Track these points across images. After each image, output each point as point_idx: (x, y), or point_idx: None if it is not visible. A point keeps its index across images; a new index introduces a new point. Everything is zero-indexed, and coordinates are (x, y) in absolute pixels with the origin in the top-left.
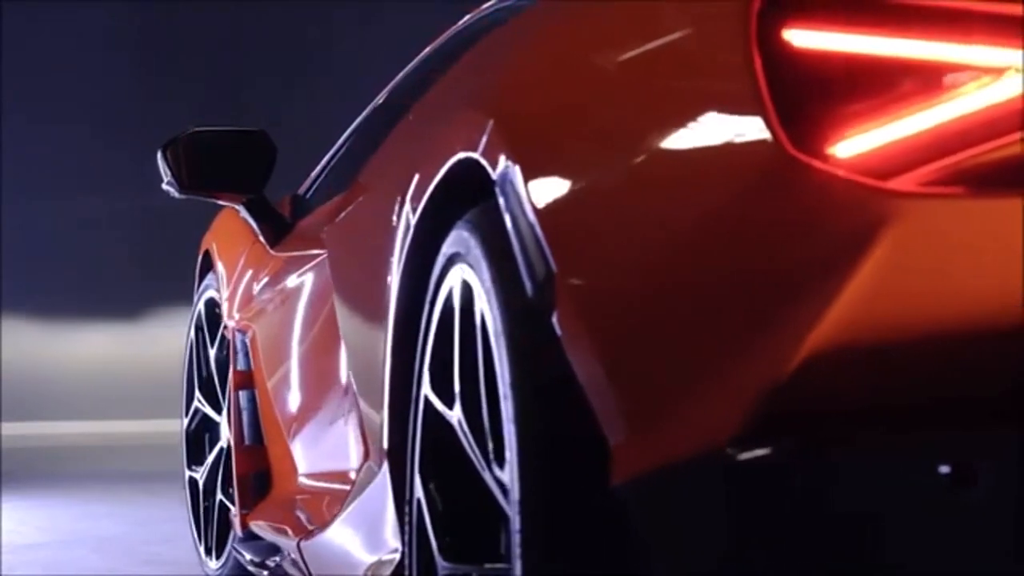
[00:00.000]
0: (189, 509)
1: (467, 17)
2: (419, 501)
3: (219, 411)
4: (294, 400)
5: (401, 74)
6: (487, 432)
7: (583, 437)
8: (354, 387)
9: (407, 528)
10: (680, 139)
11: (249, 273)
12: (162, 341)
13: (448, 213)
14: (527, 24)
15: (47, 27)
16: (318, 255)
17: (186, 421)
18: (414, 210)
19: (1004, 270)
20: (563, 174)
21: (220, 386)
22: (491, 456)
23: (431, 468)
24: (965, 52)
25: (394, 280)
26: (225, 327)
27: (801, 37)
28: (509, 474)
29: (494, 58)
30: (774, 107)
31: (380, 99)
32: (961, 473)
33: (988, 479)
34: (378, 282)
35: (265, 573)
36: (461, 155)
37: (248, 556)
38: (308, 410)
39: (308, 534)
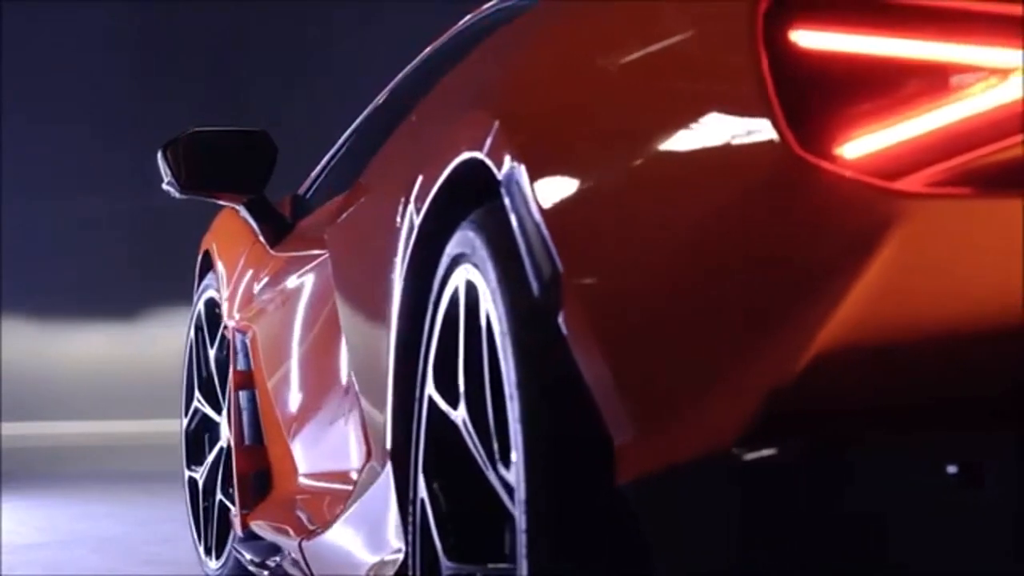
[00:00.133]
0: (189, 509)
1: (468, 17)
2: (423, 501)
3: (219, 411)
4: (294, 400)
5: (402, 74)
6: (492, 432)
7: (589, 437)
8: (356, 387)
9: (411, 528)
10: (686, 139)
11: (249, 273)
12: (162, 341)
13: (452, 213)
14: (532, 24)
15: (47, 27)
16: (319, 255)
17: (186, 421)
18: (418, 210)
19: (1010, 270)
20: (569, 174)
21: (220, 386)
22: (496, 456)
23: (435, 468)
24: (971, 53)
25: (397, 281)
26: (225, 327)
27: (808, 38)
28: (515, 474)
29: (499, 58)
30: (781, 108)
31: (381, 99)
32: (968, 473)
33: (995, 479)
34: (381, 283)
35: (266, 573)
36: (466, 155)
37: (248, 556)
38: (308, 410)
39: (310, 534)
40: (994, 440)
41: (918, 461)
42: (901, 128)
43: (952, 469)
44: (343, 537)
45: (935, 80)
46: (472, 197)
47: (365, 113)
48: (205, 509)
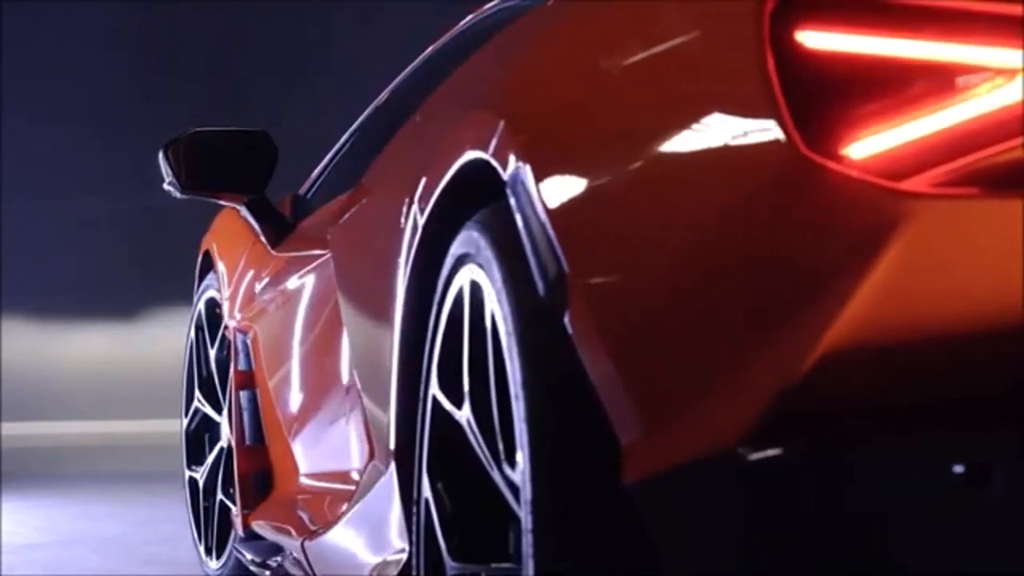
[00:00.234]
0: (189, 509)
1: (470, 17)
2: (427, 501)
3: (219, 411)
4: (295, 400)
5: (403, 74)
6: (497, 432)
7: (594, 437)
8: (359, 387)
9: (415, 528)
10: (692, 140)
11: (250, 273)
12: (162, 341)
13: (456, 214)
14: (536, 24)
15: (47, 27)
16: (320, 255)
17: (186, 421)
18: (422, 211)
19: (1016, 271)
20: (575, 174)
21: (220, 386)
22: (501, 456)
23: (439, 468)
24: (977, 53)
25: (401, 281)
26: (226, 327)
27: (814, 38)
28: (521, 474)
29: (503, 59)
30: (787, 108)
31: (382, 99)
32: (975, 473)
33: (1002, 479)
34: (384, 283)
35: (267, 573)
36: (471, 156)
37: (249, 556)
38: (310, 410)
39: (312, 534)
40: (1000, 440)
41: (924, 461)
42: (907, 128)
43: (958, 469)
44: (346, 537)
45: (941, 81)
46: (476, 197)
47: (366, 113)
48: (205, 509)
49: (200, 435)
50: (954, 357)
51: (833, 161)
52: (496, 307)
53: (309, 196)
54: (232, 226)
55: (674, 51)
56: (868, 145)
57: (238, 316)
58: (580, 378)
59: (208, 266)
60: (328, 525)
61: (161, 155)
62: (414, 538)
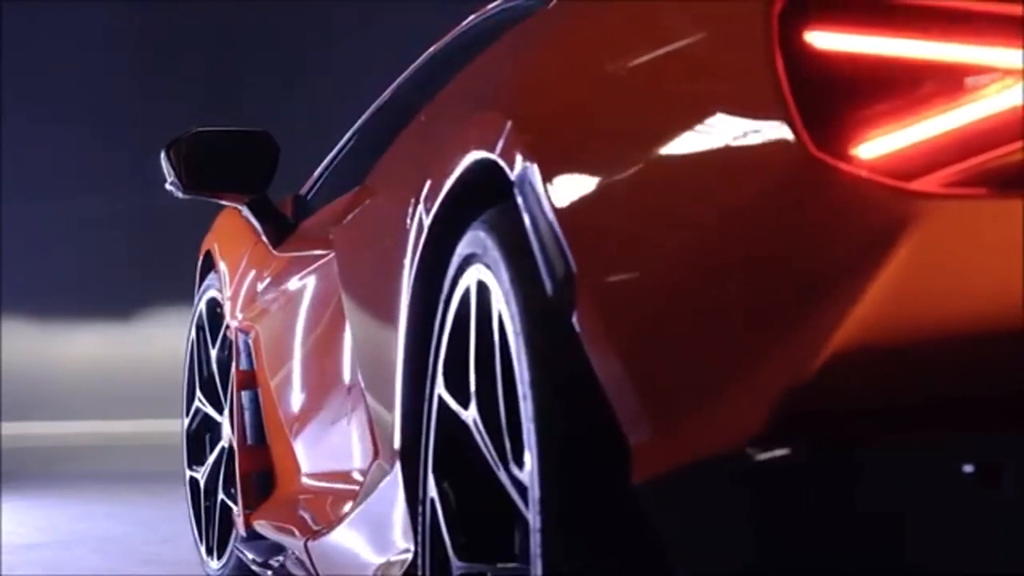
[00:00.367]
0: (190, 509)
1: (471, 18)
2: (432, 500)
3: (220, 411)
4: (297, 400)
5: (405, 74)
6: (504, 432)
7: (603, 437)
8: (363, 387)
9: (420, 527)
10: (701, 140)
11: (252, 273)
12: (162, 341)
13: (462, 214)
14: (544, 25)
15: (47, 27)
16: (323, 256)
17: (187, 421)
18: (427, 211)
19: None
20: (582, 174)
21: (221, 386)
22: (508, 455)
23: (445, 468)
24: (987, 54)
25: (406, 281)
26: (227, 327)
27: (823, 39)
28: (529, 474)
29: (510, 59)
30: (797, 108)
31: (383, 99)
32: (985, 473)
33: (1012, 479)
34: (389, 283)
35: (269, 573)
36: (478, 156)
37: (251, 555)
38: (311, 410)
39: (315, 534)
40: (1010, 440)
41: (933, 461)
42: (917, 129)
43: (968, 469)
44: (350, 537)
45: (950, 81)
46: (481, 198)
47: (367, 113)
48: (206, 509)
49: (201, 435)
50: (963, 357)
51: (843, 162)
52: (503, 307)
53: (310, 196)
54: (233, 226)
55: (683, 51)
56: (878, 145)
57: (240, 316)
58: (588, 378)
59: (209, 266)
60: (331, 525)
61: (163, 155)
62: (419, 538)
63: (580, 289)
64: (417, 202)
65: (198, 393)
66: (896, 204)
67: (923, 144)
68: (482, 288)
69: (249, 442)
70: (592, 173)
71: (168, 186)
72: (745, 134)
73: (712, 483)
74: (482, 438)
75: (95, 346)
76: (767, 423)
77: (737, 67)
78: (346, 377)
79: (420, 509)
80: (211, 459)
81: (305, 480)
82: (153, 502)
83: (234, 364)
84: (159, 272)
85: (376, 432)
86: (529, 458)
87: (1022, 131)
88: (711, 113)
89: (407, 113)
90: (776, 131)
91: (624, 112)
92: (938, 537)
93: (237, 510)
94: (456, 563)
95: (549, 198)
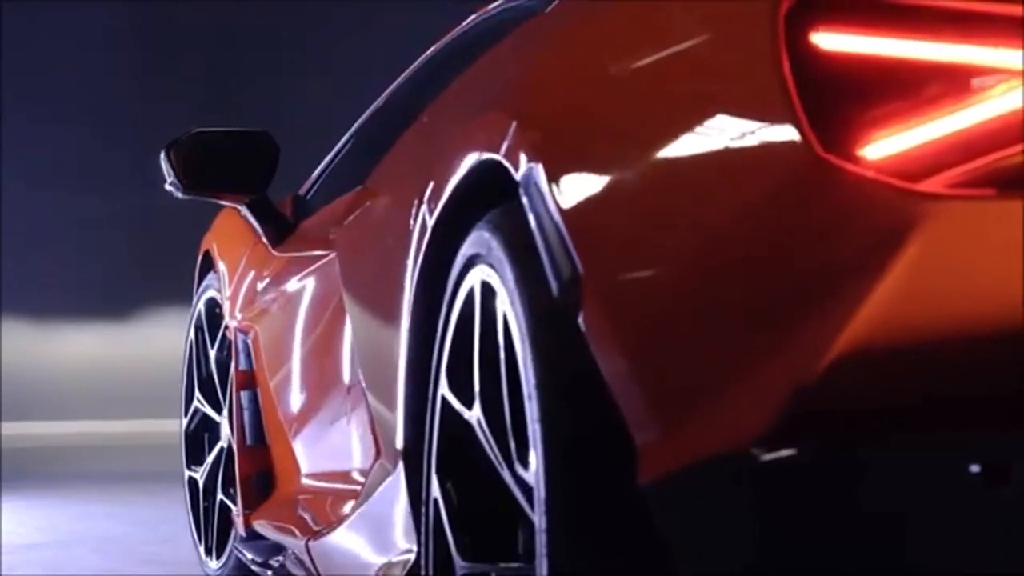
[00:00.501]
0: (189, 509)
1: (472, 18)
2: (436, 500)
3: (219, 411)
4: (297, 400)
5: (404, 75)
6: (508, 432)
7: (609, 437)
8: (365, 387)
9: (423, 527)
10: (708, 141)
11: (251, 273)
12: (162, 341)
13: (465, 215)
14: (548, 25)
15: (47, 27)
16: (323, 256)
17: (186, 421)
18: (431, 211)
19: None
20: (588, 175)
21: (220, 386)
22: (512, 455)
23: (448, 468)
24: (993, 55)
25: (409, 282)
26: (226, 327)
27: (829, 40)
28: (534, 474)
29: (515, 59)
30: (803, 109)
31: (383, 100)
32: (992, 473)
33: (1019, 479)
34: (391, 284)
35: (269, 573)
36: (483, 156)
37: (250, 556)
38: (311, 410)
39: (316, 534)
40: (1017, 440)
41: (940, 461)
42: (923, 130)
43: (974, 469)
44: (352, 537)
45: (957, 82)
46: (484, 198)
47: (367, 114)
48: (205, 509)
49: (200, 435)
50: (969, 357)
51: (849, 162)
52: (508, 308)
53: (309, 196)
54: (233, 226)
55: (689, 52)
56: (884, 146)
57: (239, 316)
58: (594, 378)
59: (208, 266)
60: (333, 525)
61: (163, 155)
62: (423, 538)
63: (586, 289)
64: (420, 202)
65: (197, 393)
66: (902, 205)
67: (930, 145)
68: (486, 289)
69: (248, 442)
70: (598, 173)
71: (168, 186)
72: (752, 135)
73: (718, 483)
74: (486, 438)
75: (94, 346)
76: (773, 423)
77: (744, 68)
78: (346, 377)
79: (423, 509)
80: (210, 459)
81: (305, 480)
82: (153, 502)
83: (233, 364)
84: (158, 272)
85: (378, 432)
86: (535, 458)
87: None
88: (717, 113)
89: (407, 114)
90: (782, 132)
91: (630, 112)
92: (943, 537)
93: (236, 510)
94: (459, 563)
95: (555, 198)
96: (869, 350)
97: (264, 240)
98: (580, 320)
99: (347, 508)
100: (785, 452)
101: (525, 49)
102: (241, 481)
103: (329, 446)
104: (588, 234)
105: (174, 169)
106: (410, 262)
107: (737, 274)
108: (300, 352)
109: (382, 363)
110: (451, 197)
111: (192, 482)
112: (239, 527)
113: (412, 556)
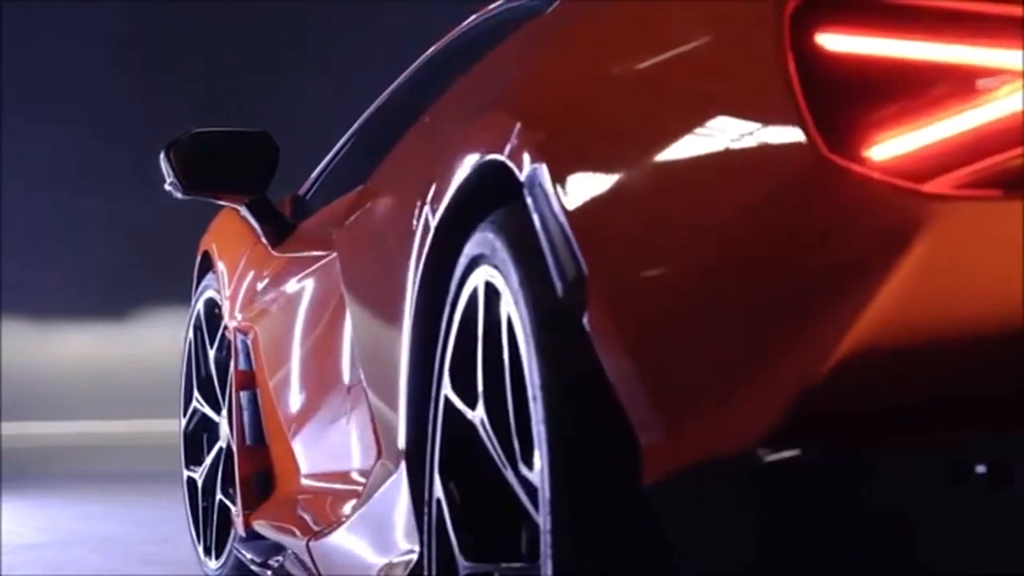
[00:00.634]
0: (188, 509)
1: (472, 18)
2: (439, 500)
3: (218, 411)
4: (297, 400)
5: (404, 75)
6: (512, 432)
7: (614, 437)
8: (366, 387)
9: (426, 527)
10: (713, 141)
11: (251, 274)
12: (161, 341)
13: (468, 215)
14: (552, 25)
15: (47, 27)
16: (323, 256)
17: (184, 421)
18: (434, 212)
19: None
20: (593, 175)
21: (219, 386)
22: (516, 456)
23: (451, 468)
24: (998, 56)
25: (411, 282)
26: (225, 327)
27: (835, 41)
28: (539, 475)
29: (518, 60)
30: (809, 110)
31: (382, 100)
32: (997, 473)
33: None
34: (393, 284)
35: (268, 573)
36: (486, 157)
37: (250, 556)
38: (311, 410)
39: (317, 534)
40: (1022, 440)
41: (945, 462)
42: (929, 131)
43: (980, 469)
44: (353, 537)
45: (963, 83)
46: (487, 199)
47: (366, 114)
48: (204, 509)
49: (199, 435)
50: (975, 357)
51: (855, 163)
52: (513, 308)
53: (309, 197)
54: (232, 226)
55: (694, 52)
56: (890, 147)
57: (239, 316)
58: (599, 379)
59: (207, 266)
60: (334, 525)
61: (162, 155)
62: (426, 538)
63: (591, 290)
64: (423, 203)
65: (195, 393)
66: (908, 206)
67: (935, 146)
68: (490, 289)
69: (248, 442)
70: (602, 174)
71: (167, 186)
72: (757, 135)
73: (723, 483)
74: (489, 439)
75: (94, 346)
76: (778, 424)
77: (749, 68)
78: (346, 377)
79: (426, 509)
80: (209, 459)
81: (305, 480)
82: (152, 502)
83: (233, 364)
84: (158, 272)
85: (379, 432)
86: (539, 459)
87: None
88: (723, 114)
89: (406, 114)
90: (788, 133)
91: (634, 113)
92: (949, 538)
93: (236, 510)
94: (462, 563)
95: (559, 199)
96: (874, 351)
97: (263, 240)
98: (585, 321)
99: (348, 508)
100: (790, 453)
101: (529, 49)
102: (241, 481)
103: (329, 446)
104: (593, 235)
105: (174, 169)
106: (412, 263)
107: (742, 275)
108: (300, 352)
109: (384, 364)
110: (454, 198)
111: (191, 482)
112: (239, 527)
113: (414, 556)
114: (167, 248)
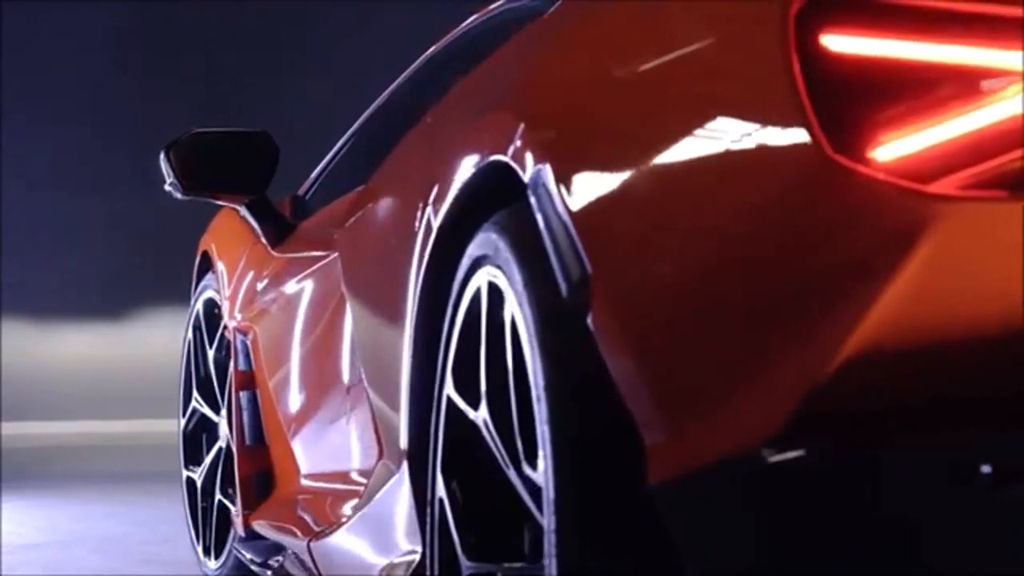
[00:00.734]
0: (187, 509)
1: (472, 18)
2: (441, 500)
3: (217, 411)
4: (296, 400)
5: (404, 75)
6: (516, 432)
7: (618, 438)
8: (367, 387)
9: (428, 527)
10: (717, 142)
11: (251, 274)
12: (161, 341)
13: (471, 216)
14: (555, 25)
15: (47, 27)
16: (323, 256)
17: (184, 421)
18: (436, 212)
19: None
20: (597, 175)
21: (218, 386)
22: (520, 456)
23: (454, 468)
24: (1004, 57)
25: (413, 283)
26: (225, 327)
27: (839, 41)
28: (543, 475)
29: (521, 60)
30: (814, 111)
31: (383, 100)
32: (1003, 474)
33: None
34: (395, 285)
35: (268, 573)
36: (489, 158)
37: (250, 556)
38: (311, 410)
39: (318, 534)
40: None
41: (950, 462)
42: (934, 131)
43: (986, 470)
44: (355, 537)
45: (968, 84)
46: (489, 199)
47: (366, 114)
48: (203, 509)
49: (198, 435)
50: (981, 358)
51: (860, 164)
52: (516, 309)
53: (309, 197)
54: (231, 227)
55: (698, 53)
56: (895, 148)
57: (238, 316)
58: (603, 379)
59: (206, 266)
60: (335, 525)
61: (162, 156)
62: (428, 538)
63: (595, 290)
64: (425, 203)
65: (195, 393)
66: (913, 206)
67: (940, 147)
68: (493, 289)
69: (248, 443)
70: (606, 174)
71: (167, 187)
72: (762, 136)
73: (728, 484)
74: (492, 439)
75: (94, 346)
76: (782, 424)
77: (754, 69)
78: (346, 377)
79: (428, 509)
80: (208, 459)
81: (305, 480)
82: (152, 502)
83: (232, 364)
84: (158, 272)
85: (381, 432)
86: (543, 459)
87: None
88: (727, 115)
89: (406, 114)
90: (793, 133)
91: (638, 113)
92: (954, 538)
93: (236, 510)
94: (465, 563)
95: (563, 199)
96: (879, 351)
97: (263, 240)
98: (589, 321)
99: (349, 508)
100: (794, 453)
101: (531, 49)
102: (240, 481)
103: (329, 446)
104: (597, 235)
105: (173, 169)
106: (415, 263)
107: (747, 275)
108: (300, 352)
109: (385, 364)
110: (456, 198)
111: (190, 482)
112: (238, 527)
113: (416, 556)
114: (167, 248)
